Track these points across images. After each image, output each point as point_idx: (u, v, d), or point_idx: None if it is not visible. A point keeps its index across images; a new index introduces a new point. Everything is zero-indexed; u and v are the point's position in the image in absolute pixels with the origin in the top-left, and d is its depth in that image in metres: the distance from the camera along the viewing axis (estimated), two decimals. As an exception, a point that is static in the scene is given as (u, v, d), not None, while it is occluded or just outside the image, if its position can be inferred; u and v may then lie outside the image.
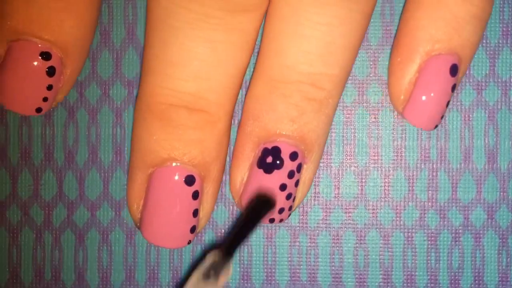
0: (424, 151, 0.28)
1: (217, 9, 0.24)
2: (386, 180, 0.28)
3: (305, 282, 0.28)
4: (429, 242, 0.28)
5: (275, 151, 0.25)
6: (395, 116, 0.28)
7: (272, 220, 0.26)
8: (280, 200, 0.25)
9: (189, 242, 0.26)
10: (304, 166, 0.26)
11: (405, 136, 0.28)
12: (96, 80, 0.28)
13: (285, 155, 0.25)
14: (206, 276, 0.23)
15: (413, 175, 0.28)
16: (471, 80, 0.28)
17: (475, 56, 0.28)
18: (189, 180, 0.25)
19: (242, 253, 0.28)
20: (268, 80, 0.25)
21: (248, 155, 0.26)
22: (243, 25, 0.24)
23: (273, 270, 0.28)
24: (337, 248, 0.28)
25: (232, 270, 0.23)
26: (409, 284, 0.28)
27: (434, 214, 0.28)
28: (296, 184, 0.25)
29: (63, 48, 0.26)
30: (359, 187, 0.28)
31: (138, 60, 0.28)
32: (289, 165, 0.25)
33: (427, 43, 0.25)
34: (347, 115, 0.28)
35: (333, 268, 0.28)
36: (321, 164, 0.28)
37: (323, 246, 0.28)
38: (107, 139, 0.28)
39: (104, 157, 0.28)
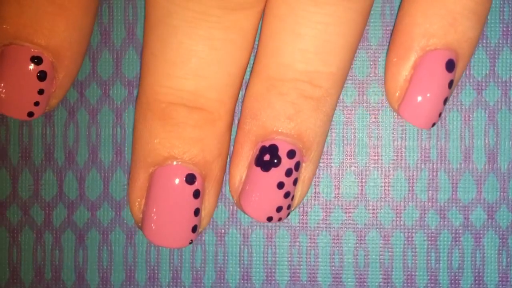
0: (424, 151, 0.28)
1: (215, 7, 0.24)
2: (386, 180, 0.28)
3: (305, 282, 0.28)
4: (429, 242, 0.28)
5: (273, 149, 0.25)
6: (395, 116, 0.28)
7: (270, 219, 0.26)
8: (278, 198, 0.25)
9: (190, 242, 0.26)
10: (303, 165, 0.26)
11: (405, 136, 0.28)
12: (96, 80, 0.28)
13: (282, 153, 0.25)
14: None
15: (413, 175, 0.28)
16: (471, 80, 0.28)
17: (475, 56, 0.28)
18: (190, 179, 0.25)
19: (242, 253, 0.28)
20: (266, 79, 0.25)
21: (247, 153, 0.26)
22: (241, 22, 0.24)
23: (273, 270, 0.28)
24: (337, 248, 0.28)
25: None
26: (409, 284, 0.28)
27: (434, 214, 0.28)
28: (295, 182, 0.25)
29: (55, 52, 0.25)
30: (359, 187, 0.28)
31: (138, 60, 0.28)
32: (286, 163, 0.25)
33: (422, 38, 0.25)
34: (347, 115, 0.28)
35: (333, 268, 0.28)
36: (321, 164, 0.28)
37: (323, 246, 0.28)
38: (107, 139, 0.28)
39: (104, 157, 0.28)
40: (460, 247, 0.28)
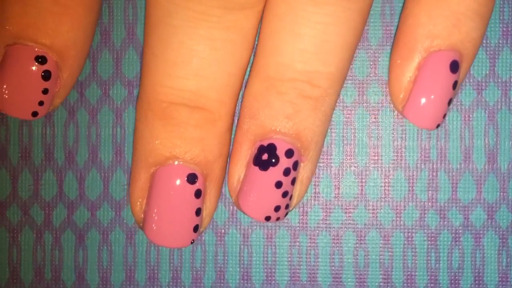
0: (424, 151, 0.28)
1: (215, 7, 0.24)
2: (386, 180, 0.28)
3: (305, 282, 0.28)
4: (429, 242, 0.28)
5: (271, 148, 0.25)
6: (395, 116, 0.28)
7: (268, 218, 0.26)
8: (276, 197, 0.25)
9: (192, 242, 0.26)
10: (301, 165, 0.26)
11: (405, 136, 0.28)
12: (96, 80, 0.28)
13: (280, 152, 0.25)
14: None
15: (413, 175, 0.28)
16: (471, 80, 0.28)
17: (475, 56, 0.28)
18: (192, 179, 0.25)
19: (242, 253, 0.28)
20: (265, 78, 0.25)
21: (245, 153, 0.26)
22: (241, 22, 0.24)
23: (273, 270, 0.28)
24: (337, 248, 0.28)
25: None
26: (409, 284, 0.28)
27: (434, 214, 0.28)
28: (293, 182, 0.25)
29: (59, 52, 0.25)
30: (359, 187, 0.28)
31: (138, 60, 0.28)
32: (284, 162, 0.25)
33: (426, 39, 0.25)
34: (347, 115, 0.28)
35: (333, 268, 0.28)
36: (321, 164, 0.28)
37: (323, 246, 0.28)
38: (107, 139, 0.28)
39: (104, 157, 0.28)
40: (460, 247, 0.28)
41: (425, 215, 0.28)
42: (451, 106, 0.28)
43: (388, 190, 0.28)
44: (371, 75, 0.28)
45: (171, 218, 0.25)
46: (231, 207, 0.28)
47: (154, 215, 0.25)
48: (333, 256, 0.28)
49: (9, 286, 0.29)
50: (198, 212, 0.25)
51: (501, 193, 0.28)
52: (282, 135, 0.25)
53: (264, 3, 0.25)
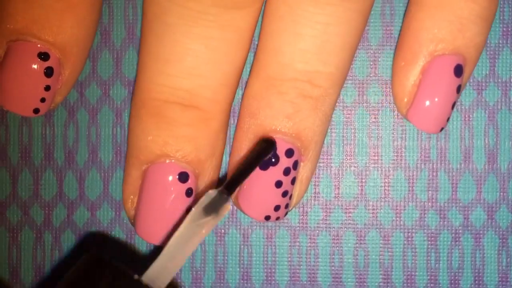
0: (424, 151, 0.28)
1: (212, 5, 0.24)
2: (386, 180, 0.28)
3: (305, 282, 0.28)
4: (429, 242, 0.28)
5: None
6: (395, 116, 0.28)
7: (268, 218, 0.26)
8: (276, 197, 0.25)
9: None
10: (301, 164, 0.26)
11: (405, 136, 0.28)
12: (96, 80, 0.28)
13: (280, 152, 0.25)
14: (206, 211, 0.23)
15: (413, 175, 0.28)
16: (471, 80, 0.28)
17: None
18: (183, 177, 0.25)
19: (242, 253, 0.28)
20: (265, 78, 0.25)
21: (245, 152, 0.26)
22: (237, 22, 0.24)
23: (273, 270, 0.28)
24: (337, 248, 0.28)
25: (230, 206, 0.23)
26: (409, 284, 0.28)
27: (434, 214, 0.28)
28: (293, 182, 0.25)
29: (62, 49, 0.26)
30: (359, 187, 0.28)
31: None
32: (285, 162, 0.25)
33: (430, 44, 0.25)
34: (347, 115, 0.28)
35: (333, 268, 0.28)
36: (321, 164, 0.28)
37: (323, 246, 0.28)
38: (107, 139, 0.28)
39: (104, 157, 0.28)
40: (460, 247, 0.28)
41: (425, 215, 0.28)
42: (454, 108, 0.28)
43: (388, 190, 0.28)
44: (371, 75, 0.28)
45: (162, 216, 0.25)
46: (231, 207, 0.28)
47: (144, 212, 0.25)
48: (333, 256, 0.28)
49: (9, 286, 0.29)
50: (189, 211, 0.25)
51: (501, 193, 0.28)
52: (282, 134, 0.25)
53: (259, 3, 0.25)
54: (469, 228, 0.28)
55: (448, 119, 0.26)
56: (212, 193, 0.23)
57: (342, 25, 0.24)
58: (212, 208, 0.23)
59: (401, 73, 0.26)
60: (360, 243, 0.28)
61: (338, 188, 0.28)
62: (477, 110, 0.28)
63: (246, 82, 0.26)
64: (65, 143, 0.29)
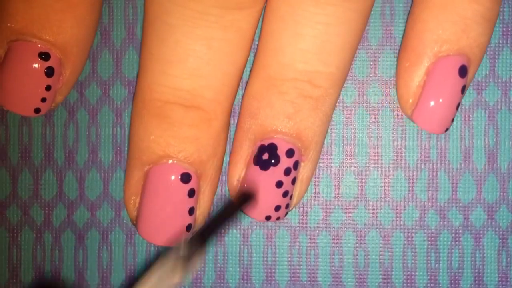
0: (424, 151, 0.28)
1: (214, 6, 0.24)
2: (386, 180, 0.28)
3: (305, 282, 0.28)
4: (429, 242, 0.28)
5: (271, 148, 0.25)
6: (395, 116, 0.28)
7: (268, 218, 0.26)
8: (277, 197, 0.25)
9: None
10: (302, 164, 0.26)
11: (405, 136, 0.28)
12: (96, 80, 0.28)
13: (281, 152, 0.25)
14: (171, 270, 0.21)
15: (413, 175, 0.28)
16: (471, 80, 0.28)
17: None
18: (185, 178, 0.25)
19: (242, 253, 0.28)
20: (266, 78, 0.25)
21: (245, 152, 0.26)
22: (239, 22, 0.24)
23: (273, 270, 0.28)
24: (337, 248, 0.28)
25: (200, 263, 0.22)
26: (409, 284, 0.28)
27: (434, 214, 0.28)
28: (293, 182, 0.25)
29: (62, 49, 0.26)
30: (359, 187, 0.28)
31: (138, 60, 0.28)
32: (285, 162, 0.25)
33: (435, 45, 0.25)
34: (347, 115, 0.28)
35: (333, 268, 0.28)
36: (321, 164, 0.28)
37: (323, 246, 0.28)
38: (107, 139, 0.28)
39: (104, 157, 0.28)
40: (460, 247, 0.28)
41: (425, 215, 0.28)
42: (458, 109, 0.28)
43: (388, 190, 0.28)
44: (371, 75, 0.28)
45: (164, 217, 0.25)
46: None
47: (147, 213, 0.25)
48: (333, 256, 0.28)
49: (9, 286, 0.29)
50: (191, 211, 0.25)
51: (501, 193, 0.28)
52: (282, 134, 0.25)
53: (261, 4, 0.25)
54: (469, 228, 0.28)
55: (452, 120, 0.26)
56: (184, 243, 0.22)
57: (343, 25, 0.24)
58: (186, 258, 0.22)
59: (405, 74, 0.26)
60: (360, 243, 0.28)
61: (338, 188, 0.28)
62: (477, 110, 0.28)
63: (247, 82, 0.26)
64: (65, 143, 0.29)
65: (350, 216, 0.28)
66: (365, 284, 0.28)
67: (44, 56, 0.25)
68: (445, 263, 0.28)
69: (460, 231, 0.28)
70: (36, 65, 0.25)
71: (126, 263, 0.28)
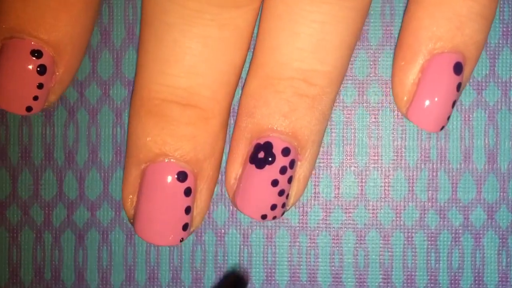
0: (424, 151, 0.28)
1: (211, 4, 0.24)
2: (386, 180, 0.28)
3: (305, 282, 0.28)
4: (429, 242, 0.28)
5: (267, 147, 0.25)
6: (395, 116, 0.28)
7: (264, 217, 0.26)
8: (273, 196, 0.25)
9: (181, 240, 0.26)
10: (298, 163, 0.26)
11: (405, 136, 0.28)
12: (96, 80, 0.28)
13: (277, 150, 0.25)
14: None
15: (413, 175, 0.28)
16: (471, 80, 0.28)
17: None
18: (181, 177, 0.25)
19: (242, 253, 0.28)
20: (263, 77, 0.25)
21: (242, 151, 0.26)
22: (236, 20, 0.24)
23: (273, 270, 0.28)
24: (337, 248, 0.28)
25: None
26: (409, 284, 0.28)
27: (434, 214, 0.28)
28: (289, 181, 0.25)
29: (55, 47, 0.25)
30: (359, 187, 0.28)
31: (138, 60, 0.28)
32: (281, 160, 0.25)
33: (429, 42, 0.25)
34: (347, 115, 0.28)
35: (333, 268, 0.28)
36: (321, 164, 0.28)
37: (323, 246, 0.28)
38: (107, 139, 0.28)
39: (104, 157, 0.28)
40: (460, 247, 0.28)
41: (425, 215, 0.28)
42: (454, 108, 0.28)
43: (388, 190, 0.28)
44: (371, 75, 0.28)
45: (160, 215, 0.25)
46: (231, 207, 0.28)
47: (143, 211, 0.25)
48: (333, 256, 0.28)
49: (8, 286, 0.29)
50: (188, 210, 0.25)
51: (501, 193, 0.28)
52: (278, 133, 0.25)
53: (259, 2, 0.25)
54: (469, 228, 0.28)
55: (448, 118, 0.26)
56: None
57: (339, 24, 0.24)
58: None
59: (400, 72, 0.26)
60: (360, 243, 0.28)
61: (338, 188, 0.28)
62: (477, 110, 0.28)
63: (244, 81, 0.26)
64: (65, 143, 0.29)
65: (350, 216, 0.28)
66: (365, 284, 0.28)
67: (37, 54, 0.25)
68: (445, 263, 0.28)
69: (460, 231, 0.28)
70: (28, 63, 0.25)
71: (126, 263, 0.28)
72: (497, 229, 0.28)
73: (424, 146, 0.28)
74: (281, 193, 0.25)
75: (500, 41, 0.28)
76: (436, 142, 0.28)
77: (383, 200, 0.28)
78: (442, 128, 0.26)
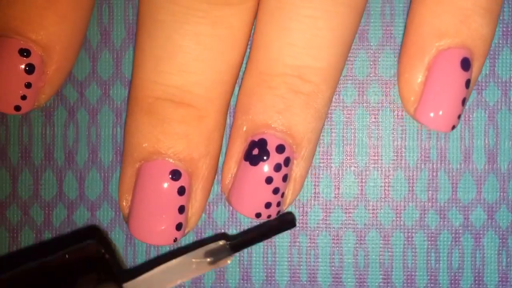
0: (424, 151, 0.28)
1: (202, 2, 0.24)
2: (386, 180, 0.28)
3: (305, 282, 0.28)
4: (429, 242, 0.28)
5: (261, 143, 0.25)
6: (395, 116, 0.28)
7: (259, 215, 0.25)
8: (267, 194, 0.25)
9: (175, 240, 0.25)
10: (294, 162, 0.25)
11: (405, 136, 0.28)
12: (96, 80, 0.28)
13: (271, 147, 0.25)
14: (207, 255, 0.25)
15: (413, 175, 0.28)
16: (471, 80, 0.28)
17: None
18: (175, 175, 0.25)
19: (242, 253, 0.28)
20: (257, 74, 0.25)
21: (238, 149, 0.25)
22: (228, 18, 0.24)
23: (273, 270, 0.28)
24: (337, 248, 0.28)
25: (231, 262, 0.26)
26: (409, 284, 0.28)
27: (434, 214, 0.28)
28: (284, 179, 0.25)
29: (44, 46, 0.25)
30: (359, 187, 0.28)
31: (138, 60, 0.28)
32: (275, 157, 0.25)
33: (434, 38, 0.24)
34: (347, 115, 0.28)
35: (333, 268, 0.28)
36: (321, 164, 0.28)
37: (323, 246, 0.28)
38: (107, 139, 0.28)
39: (104, 157, 0.28)
40: (460, 247, 0.28)
41: (425, 215, 0.28)
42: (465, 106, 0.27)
43: (388, 190, 0.28)
44: (371, 75, 0.28)
45: (153, 214, 0.25)
46: (231, 207, 0.28)
47: (137, 210, 0.25)
48: (333, 256, 0.28)
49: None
50: (182, 209, 0.25)
51: (501, 193, 0.28)
52: (273, 130, 0.25)
53: (254, 1, 0.25)
54: (469, 228, 0.28)
55: (459, 117, 0.25)
56: (222, 243, 0.25)
57: (332, 19, 0.24)
58: (214, 255, 0.25)
59: (406, 72, 0.25)
60: (360, 243, 0.28)
61: (338, 188, 0.28)
62: (477, 110, 0.28)
63: (241, 79, 0.26)
64: (65, 143, 0.29)
65: (350, 216, 0.28)
66: (365, 284, 0.28)
67: (25, 53, 0.25)
68: (445, 263, 0.28)
69: (460, 231, 0.28)
70: (15, 62, 0.25)
71: (126, 263, 0.28)
72: (497, 229, 0.28)
73: (424, 146, 0.28)
74: (275, 191, 0.25)
75: (500, 41, 0.28)
76: (436, 142, 0.28)
77: (383, 200, 0.28)
78: (453, 127, 0.25)
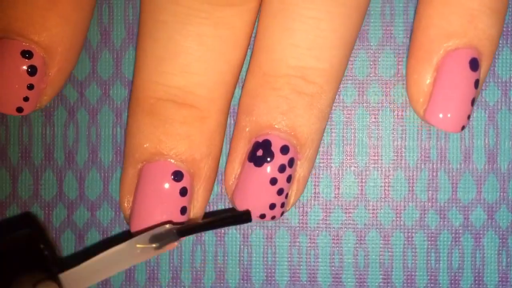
0: (424, 151, 0.28)
1: (204, 2, 0.24)
2: (386, 180, 0.28)
3: (305, 282, 0.28)
4: (429, 242, 0.28)
5: (266, 144, 0.25)
6: (395, 116, 0.28)
7: (263, 216, 0.25)
8: (271, 195, 0.25)
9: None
10: (298, 163, 0.25)
11: (405, 136, 0.28)
12: (96, 80, 0.28)
13: (275, 148, 0.25)
14: (152, 240, 0.24)
15: (413, 175, 0.28)
16: (471, 80, 0.28)
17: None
18: (176, 176, 0.25)
19: (242, 253, 0.28)
20: (260, 75, 0.25)
21: (241, 150, 0.25)
22: (230, 19, 0.24)
23: (273, 270, 0.28)
24: (337, 248, 0.28)
25: (176, 245, 0.25)
26: (409, 284, 0.28)
27: (434, 214, 0.28)
28: (288, 180, 0.25)
29: (46, 48, 0.25)
30: (359, 187, 0.28)
31: (138, 60, 0.28)
32: (279, 158, 0.25)
33: (442, 39, 0.24)
34: (347, 115, 0.28)
35: (333, 268, 0.28)
36: (321, 164, 0.28)
37: (323, 246, 0.28)
38: (107, 139, 0.28)
39: (104, 157, 0.28)
40: (460, 247, 0.28)
41: (425, 215, 0.28)
42: (474, 106, 0.27)
43: (388, 190, 0.28)
44: (371, 75, 0.28)
45: (155, 216, 0.25)
46: (231, 207, 0.28)
47: (138, 211, 0.25)
48: (333, 256, 0.28)
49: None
50: (184, 210, 0.25)
51: (501, 193, 0.28)
52: (277, 131, 0.25)
53: (256, 2, 0.25)
54: (469, 228, 0.28)
55: (469, 117, 0.25)
56: (168, 227, 0.24)
57: (335, 21, 0.24)
58: (159, 240, 0.24)
59: (414, 73, 0.25)
60: (360, 243, 0.28)
61: (338, 188, 0.28)
62: (477, 110, 0.28)
63: (244, 80, 0.26)
64: (65, 143, 0.29)
65: (350, 216, 0.28)
66: (365, 284, 0.28)
67: (27, 54, 0.25)
68: (445, 263, 0.28)
69: (460, 231, 0.28)
70: (18, 64, 0.25)
71: (126, 263, 0.28)
72: (497, 229, 0.28)
73: (424, 146, 0.28)
74: (280, 192, 0.25)
75: (500, 41, 0.28)
76: (436, 142, 0.28)
77: (383, 200, 0.28)
78: (463, 128, 0.25)
